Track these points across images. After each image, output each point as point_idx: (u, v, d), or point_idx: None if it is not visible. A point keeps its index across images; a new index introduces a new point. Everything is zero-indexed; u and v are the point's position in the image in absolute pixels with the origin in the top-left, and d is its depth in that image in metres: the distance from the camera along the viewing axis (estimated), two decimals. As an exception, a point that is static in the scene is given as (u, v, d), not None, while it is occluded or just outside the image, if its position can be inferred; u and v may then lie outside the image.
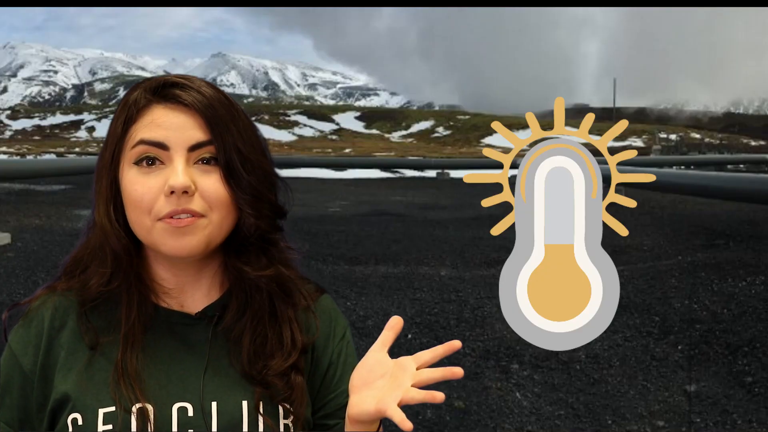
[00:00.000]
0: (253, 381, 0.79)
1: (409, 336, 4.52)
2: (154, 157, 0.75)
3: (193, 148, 0.75)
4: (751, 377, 3.78)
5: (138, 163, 0.75)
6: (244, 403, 0.78)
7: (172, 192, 0.73)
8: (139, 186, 0.74)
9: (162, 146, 0.75)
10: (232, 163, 0.76)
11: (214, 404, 0.77)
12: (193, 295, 0.82)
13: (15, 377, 0.78)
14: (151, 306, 0.80)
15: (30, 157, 35.22)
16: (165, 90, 0.77)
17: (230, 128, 0.77)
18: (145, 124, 0.76)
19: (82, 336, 0.78)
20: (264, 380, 0.78)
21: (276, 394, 0.79)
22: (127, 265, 0.78)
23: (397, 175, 26.25)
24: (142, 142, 0.75)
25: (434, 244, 8.26)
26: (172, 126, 0.75)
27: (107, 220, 0.77)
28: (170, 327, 0.80)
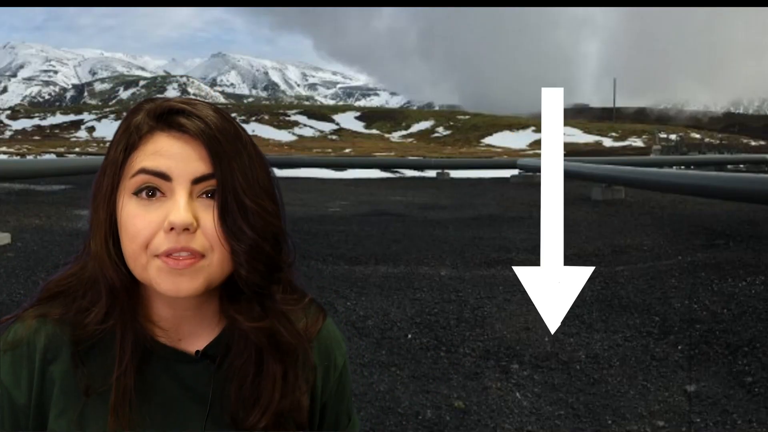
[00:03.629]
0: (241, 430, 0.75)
1: (409, 336, 4.52)
2: (154, 187, 0.70)
3: (197, 181, 0.71)
4: (751, 377, 3.77)
5: (138, 193, 0.71)
6: None
7: (171, 228, 0.69)
8: (138, 220, 0.70)
9: (164, 177, 0.70)
10: (228, 209, 0.71)
11: None
12: (191, 331, 0.78)
13: (5, 407, 0.75)
14: (147, 345, 0.75)
15: (30, 157, 35.20)
16: (170, 117, 0.73)
17: (233, 167, 0.71)
18: (148, 153, 0.71)
19: (75, 380, 0.74)
20: None
21: None
22: (124, 302, 0.74)
23: (397, 175, 26.24)
24: (143, 171, 0.70)
25: (434, 244, 8.26)
26: (175, 156, 0.71)
27: (105, 253, 0.73)
28: (167, 366, 0.76)
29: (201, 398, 0.76)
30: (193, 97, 0.84)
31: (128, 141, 0.73)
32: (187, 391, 0.76)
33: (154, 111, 0.74)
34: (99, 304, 0.74)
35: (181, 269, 0.69)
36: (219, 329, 0.79)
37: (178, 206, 0.69)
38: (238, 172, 0.72)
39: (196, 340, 0.78)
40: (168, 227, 0.69)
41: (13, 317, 0.78)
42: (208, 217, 0.71)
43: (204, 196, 0.72)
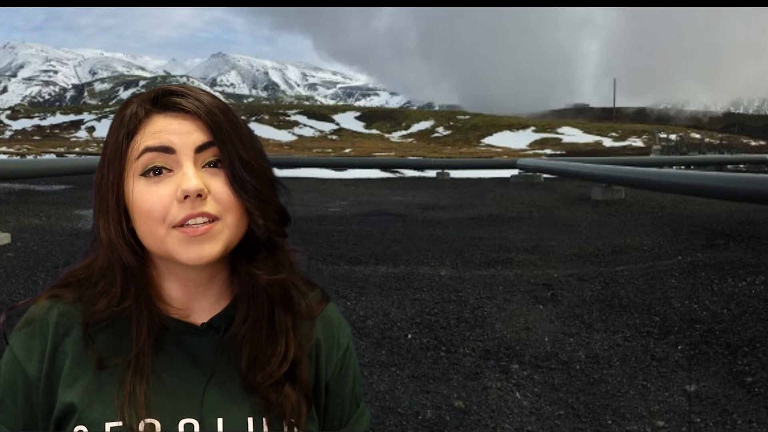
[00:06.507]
0: (251, 391, 0.78)
1: (409, 336, 4.52)
2: (161, 166, 0.74)
3: (199, 149, 0.74)
4: (751, 377, 3.77)
5: (145, 174, 0.74)
6: (250, 420, 0.77)
7: (185, 197, 0.72)
8: (150, 196, 0.73)
9: (168, 150, 0.74)
10: (235, 168, 0.75)
11: (220, 421, 0.77)
12: (200, 305, 0.81)
13: (18, 383, 0.77)
14: (159, 323, 0.78)
15: (30, 157, 35.17)
16: (164, 99, 0.76)
17: (231, 134, 0.76)
18: (150, 134, 0.75)
19: (87, 355, 0.77)
20: (259, 391, 0.78)
21: (269, 405, 0.78)
22: (140, 282, 0.77)
23: (397, 175, 26.24)
24: (147, 149, 0.74)
25: (434, 244, 8.26)
26: (176, 131, 0.75)
27: (118, 236, 0.75)
28: (177, 339, 0.80)
29: (205, 367, 0.79)
30: None
31: (128, 128, 0.76)
32: (196, 361, 0.79)
33: (148, 96, 0.78)
34: (114, 287, 0.77)
35: (200, 236, 0.73)
36: (225, 304, 0.82)
37: (188, 175, 0.73)
38: (236, 138, 0.76)
39: (205, 314, 0.81)
40: (182, 196, 0.72)
41: (27, 301, 0.82)
42: (216, 183, 0.75)
43: (207, 166, 0.75)
